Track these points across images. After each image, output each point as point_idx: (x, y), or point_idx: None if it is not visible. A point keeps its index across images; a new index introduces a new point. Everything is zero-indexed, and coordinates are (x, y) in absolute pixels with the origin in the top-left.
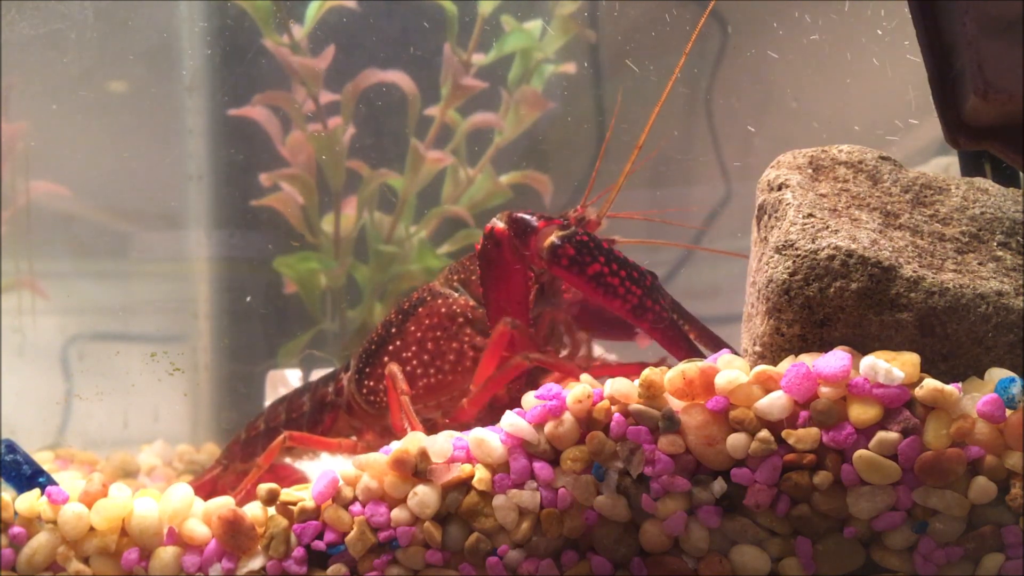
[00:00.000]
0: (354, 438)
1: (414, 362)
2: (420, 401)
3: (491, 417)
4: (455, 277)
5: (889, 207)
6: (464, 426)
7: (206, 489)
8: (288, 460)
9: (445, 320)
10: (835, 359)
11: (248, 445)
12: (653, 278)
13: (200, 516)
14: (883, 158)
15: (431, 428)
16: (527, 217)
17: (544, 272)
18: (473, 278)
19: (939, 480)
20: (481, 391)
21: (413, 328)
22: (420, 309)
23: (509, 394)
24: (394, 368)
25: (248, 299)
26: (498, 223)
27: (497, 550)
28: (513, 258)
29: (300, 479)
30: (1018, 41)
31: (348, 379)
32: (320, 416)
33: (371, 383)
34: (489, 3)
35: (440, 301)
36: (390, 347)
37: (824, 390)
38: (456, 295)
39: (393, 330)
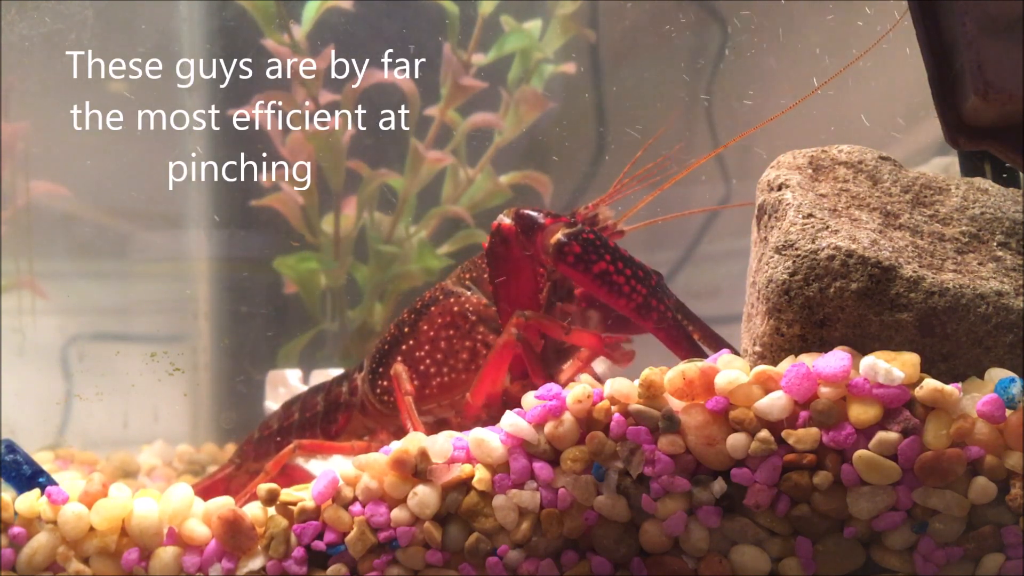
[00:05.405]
0: (367, 439)
1: (427, 361)
2: (434, 400)
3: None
4: (467, 276)
5: (889, 207)
6: (476, 420)
7: (219, 488)
8: (299, 460)
9: (458, 318)
10: (835, 359)
11: (261, 444)
12: (659, 278)
13: (200, 516)
14: (883, 158)
15: (445, 428)
16: (533, 214)
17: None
18: (485, 276)
19: (939, 480)
20: (479, 381)
21: (426, 327)
22: (433, 308)
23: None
24: (399, 368)
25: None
26: (505, 219)
27: (497, 550)
28: (521, 254)
29: (310, 480)
30: (1018, 41)
31: (362, 379)
32: (334, 416)
33: (385, 383)
34: (489, 3)
35: (452, 300)
36: (403, 346)
37: (824, 390)
38: (468, 293)
39: (406, 329)
